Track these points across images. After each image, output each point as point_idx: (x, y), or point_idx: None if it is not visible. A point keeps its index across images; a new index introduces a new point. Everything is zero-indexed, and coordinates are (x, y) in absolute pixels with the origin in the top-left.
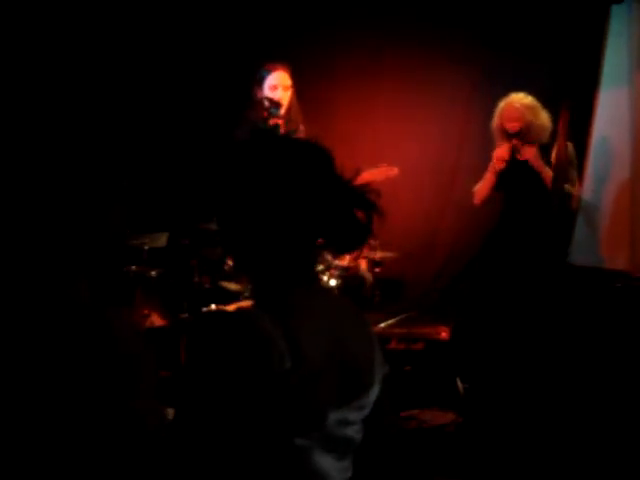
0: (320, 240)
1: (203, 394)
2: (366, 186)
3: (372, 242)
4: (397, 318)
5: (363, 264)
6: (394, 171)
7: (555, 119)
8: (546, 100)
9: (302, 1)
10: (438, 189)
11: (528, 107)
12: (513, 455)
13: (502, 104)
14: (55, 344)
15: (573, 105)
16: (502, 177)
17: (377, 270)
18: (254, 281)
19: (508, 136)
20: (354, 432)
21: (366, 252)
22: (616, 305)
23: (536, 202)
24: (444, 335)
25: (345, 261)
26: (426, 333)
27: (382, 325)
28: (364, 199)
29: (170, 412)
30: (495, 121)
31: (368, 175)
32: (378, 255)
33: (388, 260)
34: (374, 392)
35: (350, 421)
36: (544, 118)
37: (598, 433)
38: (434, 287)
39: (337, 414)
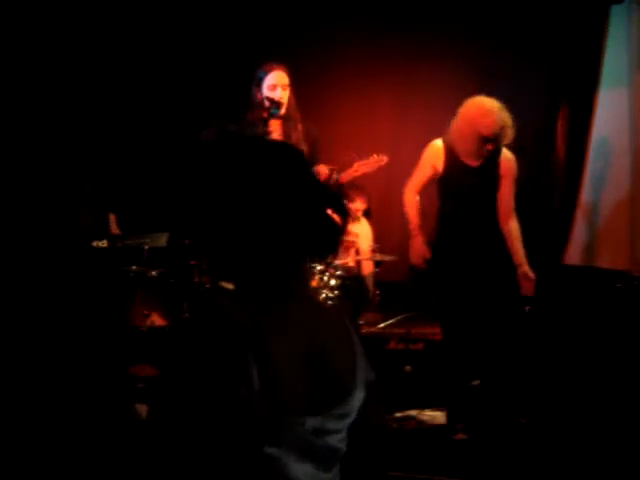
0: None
1: (176, 399)
2: (339, 187)
3: (372, 244)
4: (397, 318)
5: (363, 265)
6: (384, 160)
7: (555, 119)
8: (546, 100)
9: (302, 1)
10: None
11: (500, 109)
12: (513, 455)
13: (473, 110)
14: (22, 348)
15: (573, 105)
16: (452, 181)
17: (377, 271)
18: (234, 283)
19: (485, 141)
20: (337, 441)
21: (366, 254)
22: (616, 305)
23: (483, 206)
24: None
25: (345, 261)
26: (426, 333)
27: (382, 325)
28: (336, 200)
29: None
30: (464, 127)
31: (360, 167)
32: (377, 257)
33: (388, 262)
34: (356, 399)
35: (330, 430)
36: (510, 118)
37: (598, 432)
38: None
39: (314, 422)
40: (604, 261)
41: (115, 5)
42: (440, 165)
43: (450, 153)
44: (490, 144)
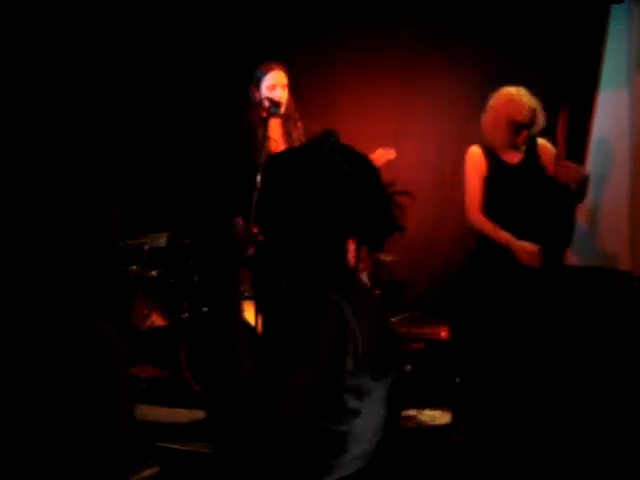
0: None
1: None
2: (395, 189)
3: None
4: (397, 318)
5: (366, 266)
6: (392, 154)
7: (555, 119)
8: (546, 100)
9: (302, 1)
10: (438, 189)
11: (528, 95)
12: (513, 455)
13: (502, 99)
14: (43, 350)
15: (573, 105)
16: (495, 184)
17: (376, 271)
18: (296, 284)
19: (518, 128)
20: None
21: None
22: (616, 305)
23: (531, 204)
24: (444, 335)
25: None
26: (426, 333)
27: None
28: (394, 200)
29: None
30: (496, 117)
31: None
32: (377, 257)
33: (388, 261)
34: (394, 373)
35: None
36: (539, 103)
37: (598, 432)
38: (434, 288)
39: (381, 385)
40: (604, 261)
41: (115, 5)
42: (483, 169)
43: (490, 155)
44: (524, 130)
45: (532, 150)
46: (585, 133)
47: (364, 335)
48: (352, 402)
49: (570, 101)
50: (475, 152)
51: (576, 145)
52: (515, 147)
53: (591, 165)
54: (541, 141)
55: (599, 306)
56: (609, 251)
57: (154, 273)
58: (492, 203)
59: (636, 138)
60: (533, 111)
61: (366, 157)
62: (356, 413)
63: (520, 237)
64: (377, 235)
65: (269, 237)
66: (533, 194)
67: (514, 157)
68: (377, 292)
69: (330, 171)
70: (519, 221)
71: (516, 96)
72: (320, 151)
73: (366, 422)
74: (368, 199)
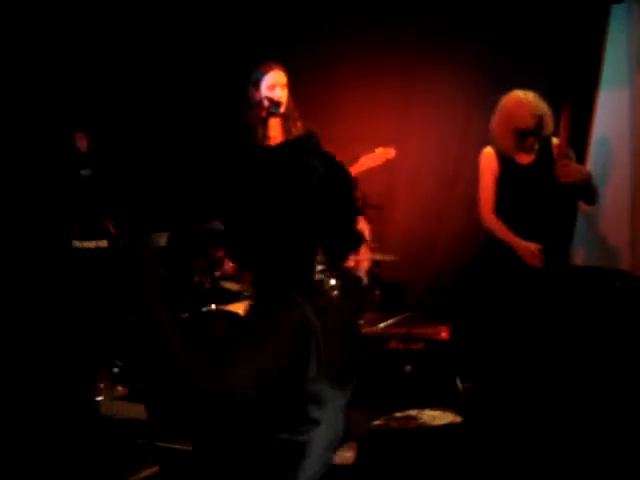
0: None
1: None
2: (363, 199)
3: (372, 244)
4: (397, 318)
5: (363, 265)
6: (391, 153)
7: (555, 119)
8: (547, 100)
9: (302, 1)
10: (438, 190)
11: (535, 100)
12: (514, 455)
13: (509, 104)
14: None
15: (573, 105)
16: (507, 184)
17: (376, 271)
18: (259, 284)
19: (523, 135)
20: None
21: (366, 254)
22: (616, 305)
23: (542, 205)
24: (444, 335)
25: (345, 262)
26: (426, 333)
27: (382, 325)
28: (359, 211)
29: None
30: (501, 123)
31: (367, 161)
32: (377, 257)
33: (388, 262)
34: (356, 381)
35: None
36: (547, 107)
37: (598, 433)
38: (434, 288)
39: (341, 395)
40: (604, 261)
41: (115, 5)
42: (496, 169)
43: (502, 155)
44: (530, 137)
45: (546, 150)
46: (586, 133)
47: (327, 340)
48: (314, 412)
49: (571, 101)
50: (488, 153)
51: (577, 145)
52: (525, 150)
53: (592, 165)
54: (556, 141)
55: (599, 306)
56: (610, 251)
57: None
58: (504, 203)
59: (636, 137)
60: (539, 117)
61: (343, 166)
62: (316, 423)
63: (530, 237)
64: (341, 246)
65: (234, 232)
66: (544, 194)
67: (526, 158)
68: (377, 292)
69: (307, 174)
70: (530, 221)
71: (523, 102)
72: (300, 153)
73: (325, 431)
74: (339, 208)
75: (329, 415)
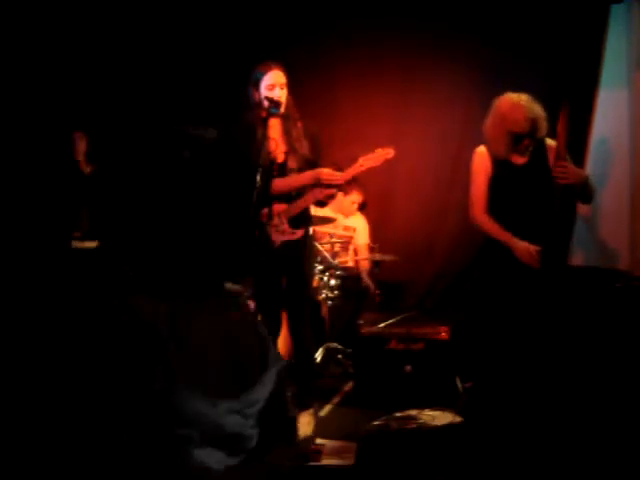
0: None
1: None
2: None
3: (372, 244)
4: (397, 318)
5: (364, 265)
6: (391, 153)
7: (553, 120)
8: (546, 100)
9: (302, 1)
10: (438, 190)
11: (529, 103)
12: (514, 455)
13: (502, 107)
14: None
15: (572, 105)
16: (500, 184)
17: (376, 271)
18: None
19: (517, 138)
20: (246, 428)
21: (363, 248)
22: (616, 305)
23: (536, 205)
24: (444, 335)
25: (345, 261)
26: (426, 333)
27: (382, 325)
28: (255, 226)
29: None
30: (494, 125)
31: (366, 162)
32: (377, 257)
33: (388, 262)
34: (266, 388)
35: (239, 414)
36: (542, 110)
37: (598, 433)
38: (434, 288)
39: (225, 405)
40: (603, 261)
41: (115, 5)
42: (489, 169)
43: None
44: (524, 140)
45: (540, 151)
46: (585, 133)
47: (191, 348)
48: (182, 429)
49: (570, 101)
50: (481, 152)
51: (576, 145)
52: (519, 152)
53: (591, 164)
54: (550, 142)
55: (599, 306)
56: (609, 251)
57: None
58: (497, 203)
59: (636, 137)
60: (533, 120)
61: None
62: (189, 440)
63: (524, 237)
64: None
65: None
66: (538, 194)
67: (520, 158)
68: (377, 292)
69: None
70: (523, 221)
71: (517, 105)
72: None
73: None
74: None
75: (208, 427)
